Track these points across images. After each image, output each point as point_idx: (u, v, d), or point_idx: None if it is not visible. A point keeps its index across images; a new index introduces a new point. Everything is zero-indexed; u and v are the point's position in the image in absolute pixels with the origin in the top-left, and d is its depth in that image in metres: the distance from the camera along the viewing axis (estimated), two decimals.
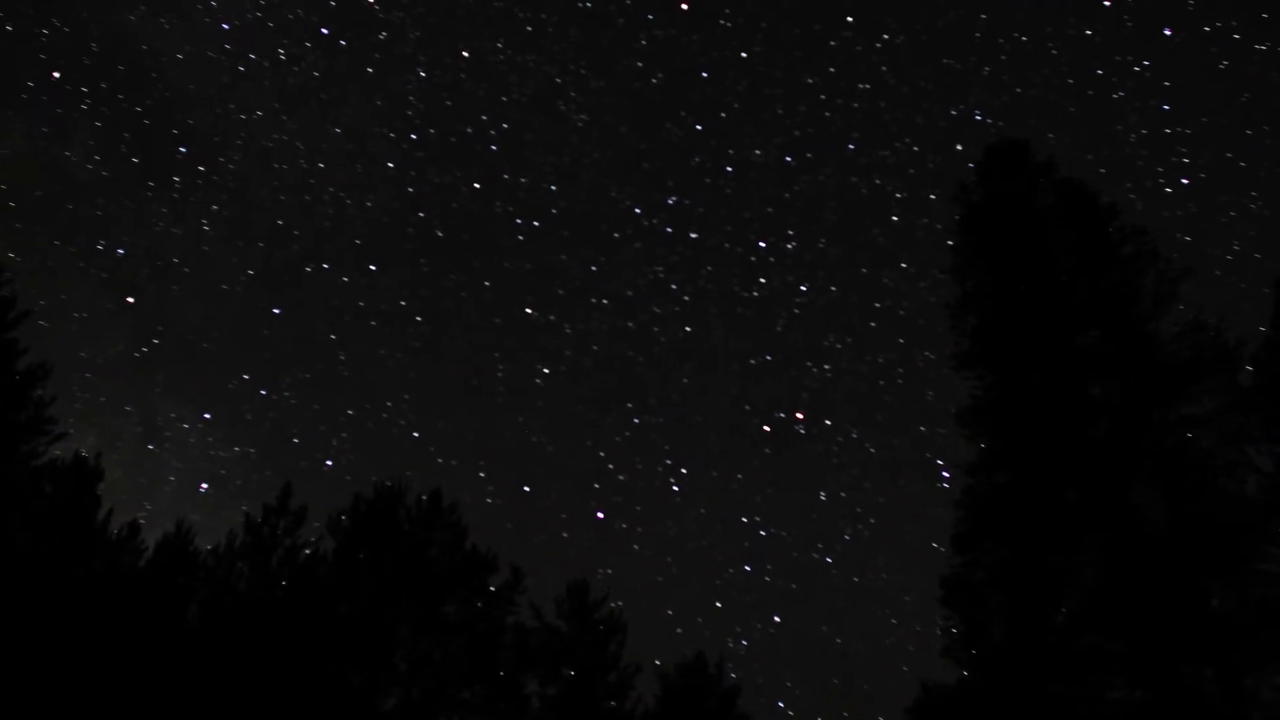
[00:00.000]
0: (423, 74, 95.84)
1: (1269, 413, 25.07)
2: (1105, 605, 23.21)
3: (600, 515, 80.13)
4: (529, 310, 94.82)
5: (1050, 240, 27.15)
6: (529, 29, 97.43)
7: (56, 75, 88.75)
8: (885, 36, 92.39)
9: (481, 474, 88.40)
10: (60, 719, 23.07)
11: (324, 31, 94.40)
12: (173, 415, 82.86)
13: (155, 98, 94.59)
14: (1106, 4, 79.94)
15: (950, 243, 28.59)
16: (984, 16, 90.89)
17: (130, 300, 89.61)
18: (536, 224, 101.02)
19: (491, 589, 31.09)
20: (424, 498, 31.56)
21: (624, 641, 34.50)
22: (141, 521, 29.29)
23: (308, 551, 29.55)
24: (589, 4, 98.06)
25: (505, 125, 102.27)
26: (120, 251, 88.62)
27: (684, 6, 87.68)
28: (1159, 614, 22.50)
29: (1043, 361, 25.55)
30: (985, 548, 25.10)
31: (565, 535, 78.42)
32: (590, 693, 33.14)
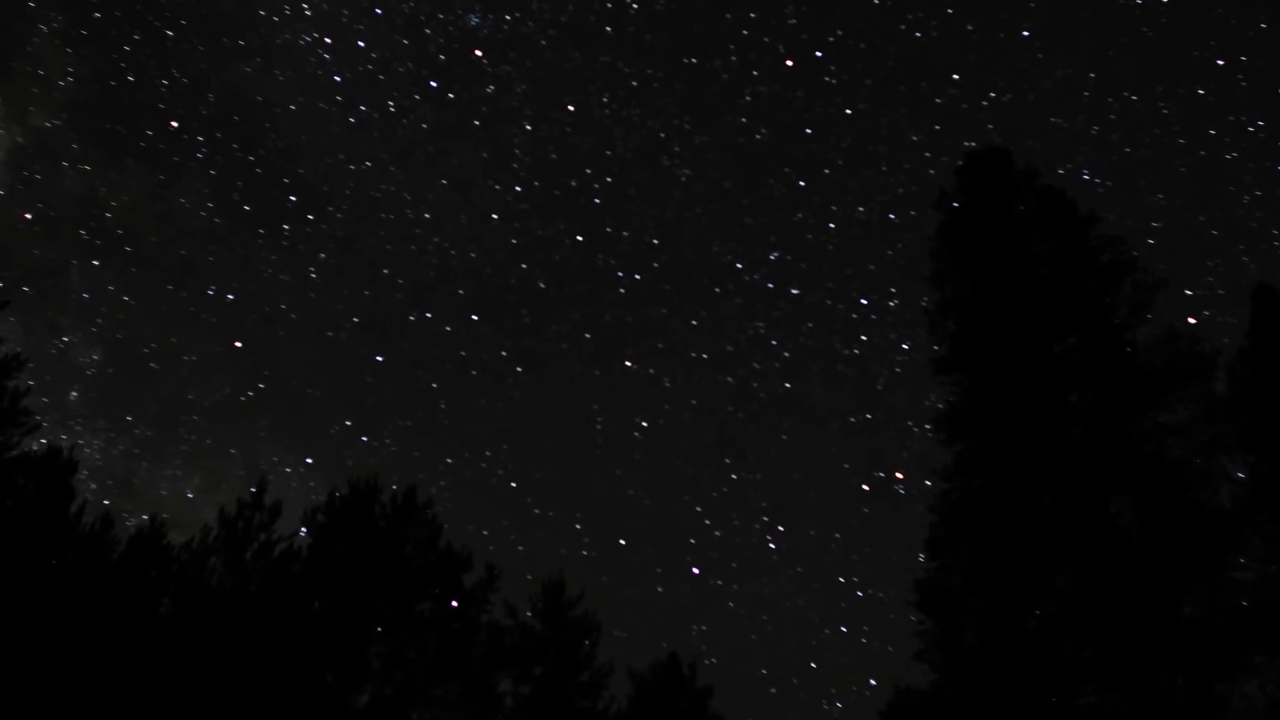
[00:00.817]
0: (529, 127, 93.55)
1: (1243, 422, 25.23)
2: (1079, 611, 23.32)
3: (695, 571, 78.99)
4: (629, 363, 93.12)
5: (1029, 247, 27.27)
6: (634, 84, 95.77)
7: (174, 125, 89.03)
8: (992, 94, 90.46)
9: (577, 526, 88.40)
10: (32, 710, 22.94)
11: (433, 85, 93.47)
12: (275, 459, 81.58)
13: (268, 147, 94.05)
14: (1220, 63, 78.59)
15: (931, 249, 28.70)
16: (1093, 75, 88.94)
17: (238, 345, 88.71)
18: (638, 277, 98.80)
19: (466, 587, 31.06)
20: (399, 495, 31.51)
21: (597, 641, 34.42)
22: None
23: (283, 547, 29.40)
24: (694, 60, 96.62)
25: (609, 179, 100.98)
26: (230, 297, 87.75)
27: (789, 63, 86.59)
28: (1132, 621, 22.60)
29: (1020, 368, 25.63)
30: (960, 552, 25.17)
31: (660, 590, 77.35)
32: (563, 692, 33.06)
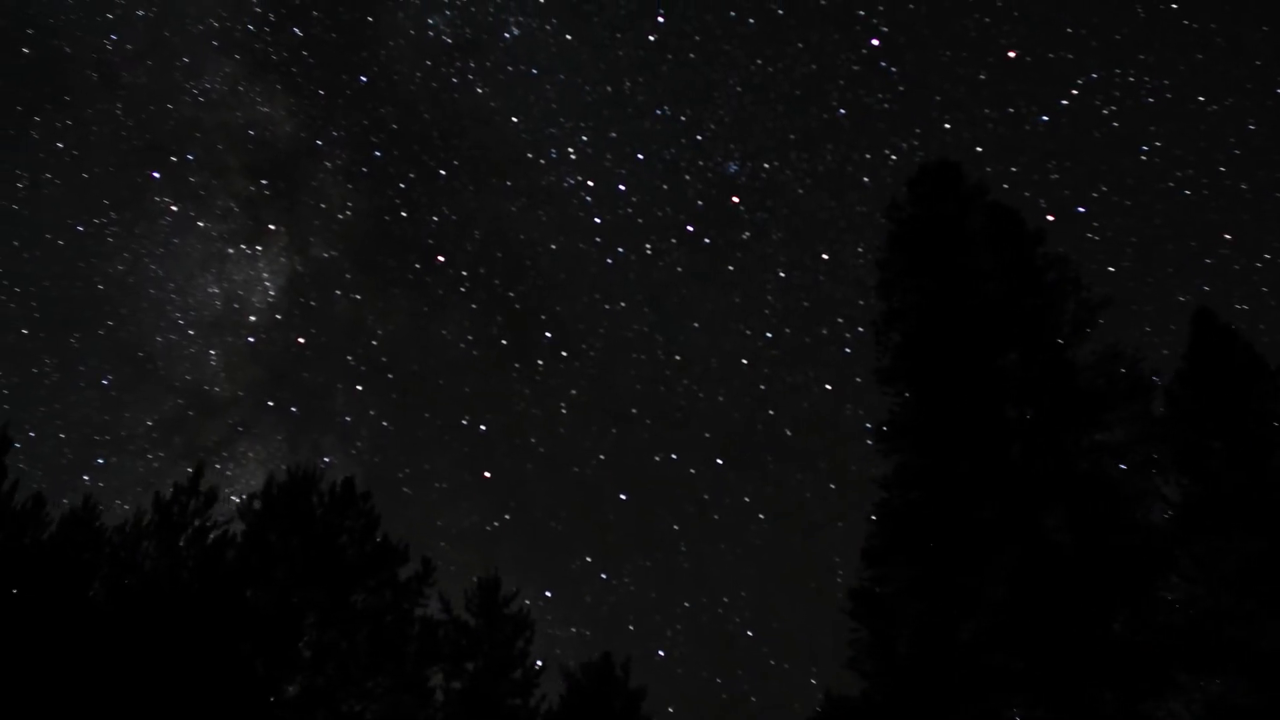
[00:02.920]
0: (782, 274, 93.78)
1: (1179, 444, 25.58)
2: (1011, 625, 23.47)
3: None
4: (874, 516, 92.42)
5: (977, 262, 27.42)
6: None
7: (441, 259, 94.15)
8: (1267, 256, 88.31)
9: (813, 680, 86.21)
10: None
11: (690, 229, 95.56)
12: (515, 590, 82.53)
13: (528, 284, 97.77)
14: None
15: (879, 259, 28.80)
16: None
17: (487, 475, 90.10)
18: (885, 429, 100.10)
19: (401, 580, 30.86)
20: (337, 485, 31.23)
21: (531, 639, 34.43)
22: None
23: (217, 533, 29.05)
24: None
25: (860, 329, 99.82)
26: (483, 428, 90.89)
27: (1050, 218, 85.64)
28: (1063, 636, 22.79)
29: (961, 381, 25.76)
30: (896, 562, 25.30)
31: None
32: (495, 689, 33.00)
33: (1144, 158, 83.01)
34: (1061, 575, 23.33)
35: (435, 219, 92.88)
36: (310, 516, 30.36)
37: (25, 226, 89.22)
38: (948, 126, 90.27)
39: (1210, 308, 27.77)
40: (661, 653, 77.00)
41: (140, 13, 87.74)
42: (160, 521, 28.63)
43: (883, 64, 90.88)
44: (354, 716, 28.54)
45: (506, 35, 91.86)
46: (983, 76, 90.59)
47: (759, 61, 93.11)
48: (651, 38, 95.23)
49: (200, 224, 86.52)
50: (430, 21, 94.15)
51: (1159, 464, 25.20)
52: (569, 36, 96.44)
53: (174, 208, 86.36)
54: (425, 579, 31.40)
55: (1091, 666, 22.67)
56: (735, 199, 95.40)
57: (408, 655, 30.16)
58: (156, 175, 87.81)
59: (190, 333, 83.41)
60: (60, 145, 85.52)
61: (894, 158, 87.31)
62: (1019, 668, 23.39)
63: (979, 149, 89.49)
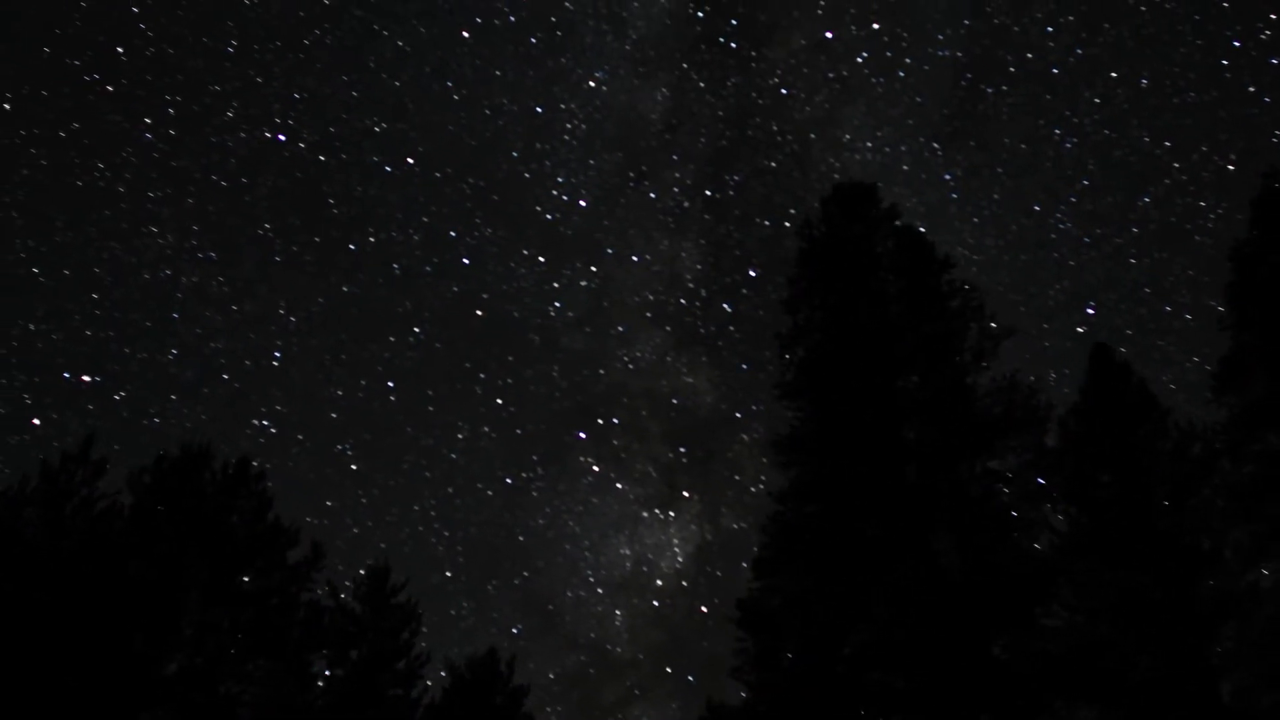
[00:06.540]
0: None
1: (1069, 474, 26.03)
2: (894, 643, 23.66)
3: None
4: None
5: (883, 284, 27.64)
6: None
7: None
8: None
9: None
10: None
11: None
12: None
13: None
14: None
15: (789, 275, 28.91)
16: None
17: None
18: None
19: (290, 563, 30.44)
20: (230, 463, 30.71)
21: (417, 630, 34.20)
22: None
23: (104, 504, 28.44)
24: None
25: None
26: None
27: None
28: (944, 657, 23.04)
29: (861, 400, 25.94)
30: (785, 575, 25.39)
31: None
32: (378, 678, 32.75)
33: None
34: (947, 597, 23.60)
35: None
36: (201, 494, 29.83)
37: (460, 475, 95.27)
38: None
39: (1108, 344, 28.24)
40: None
41: (584, 283, 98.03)
42: (45, 489, 27.98)
43: None
44: (232, 699, 28.09)
45: None
46: None
47: None
48: None
49: (618, 486, 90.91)
50: None
51: (1049, 493, 25.63)
52: None
53: (595, 468, 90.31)
54: (315, 563, 31.01)
55: (970, 688, 22.95)
56: None
57: (291, 639, 29.78)
58: (583, 435, 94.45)
59: (599, 591, 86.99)
60: (499, 401, 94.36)
61: None
62: (900, 685, 23.61)
63: None
